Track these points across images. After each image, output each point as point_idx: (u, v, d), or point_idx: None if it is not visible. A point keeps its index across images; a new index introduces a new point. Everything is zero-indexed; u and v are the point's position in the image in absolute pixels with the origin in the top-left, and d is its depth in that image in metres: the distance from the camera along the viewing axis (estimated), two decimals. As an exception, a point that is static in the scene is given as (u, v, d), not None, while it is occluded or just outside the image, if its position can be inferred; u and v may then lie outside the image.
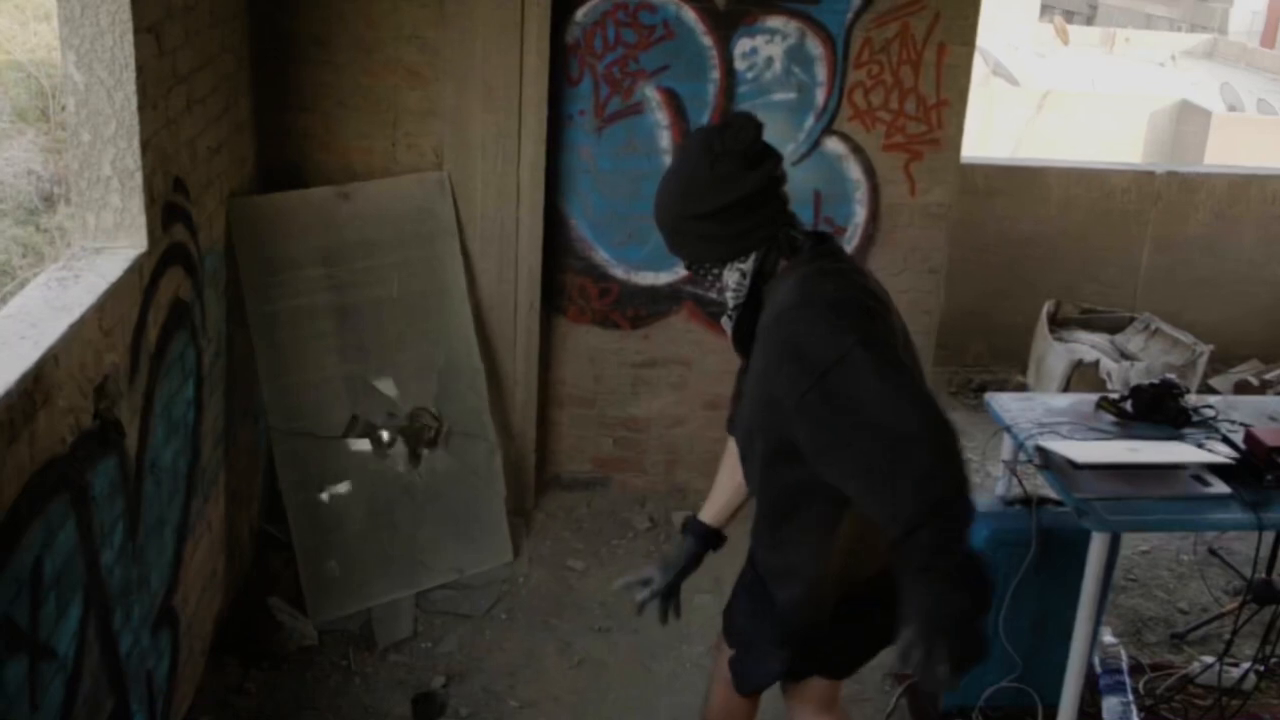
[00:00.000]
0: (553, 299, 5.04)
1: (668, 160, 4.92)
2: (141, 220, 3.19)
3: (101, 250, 3.15)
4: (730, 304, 2.54)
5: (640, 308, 5.12)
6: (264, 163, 4.66)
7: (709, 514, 2.95)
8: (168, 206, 3.40)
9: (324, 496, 4.46)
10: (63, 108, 3.49)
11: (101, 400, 2.83)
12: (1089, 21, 38.41)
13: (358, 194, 4.62)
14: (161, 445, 3.33)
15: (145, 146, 3.17)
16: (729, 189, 2.42)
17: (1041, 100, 20.04)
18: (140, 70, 3.10)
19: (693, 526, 2.95)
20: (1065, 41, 27.32)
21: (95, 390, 2.79)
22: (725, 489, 2.93)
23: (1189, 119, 19.17)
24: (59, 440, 2.57)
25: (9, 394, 2.31)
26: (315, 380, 4.48)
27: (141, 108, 3.12)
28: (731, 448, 2.87)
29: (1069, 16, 34.91)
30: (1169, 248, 6.93)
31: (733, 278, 2.50)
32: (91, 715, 2.80)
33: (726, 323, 2.60)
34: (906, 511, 2.14)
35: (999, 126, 18.44)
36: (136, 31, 3.07)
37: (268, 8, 4.51)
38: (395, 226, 4.66)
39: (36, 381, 2.44)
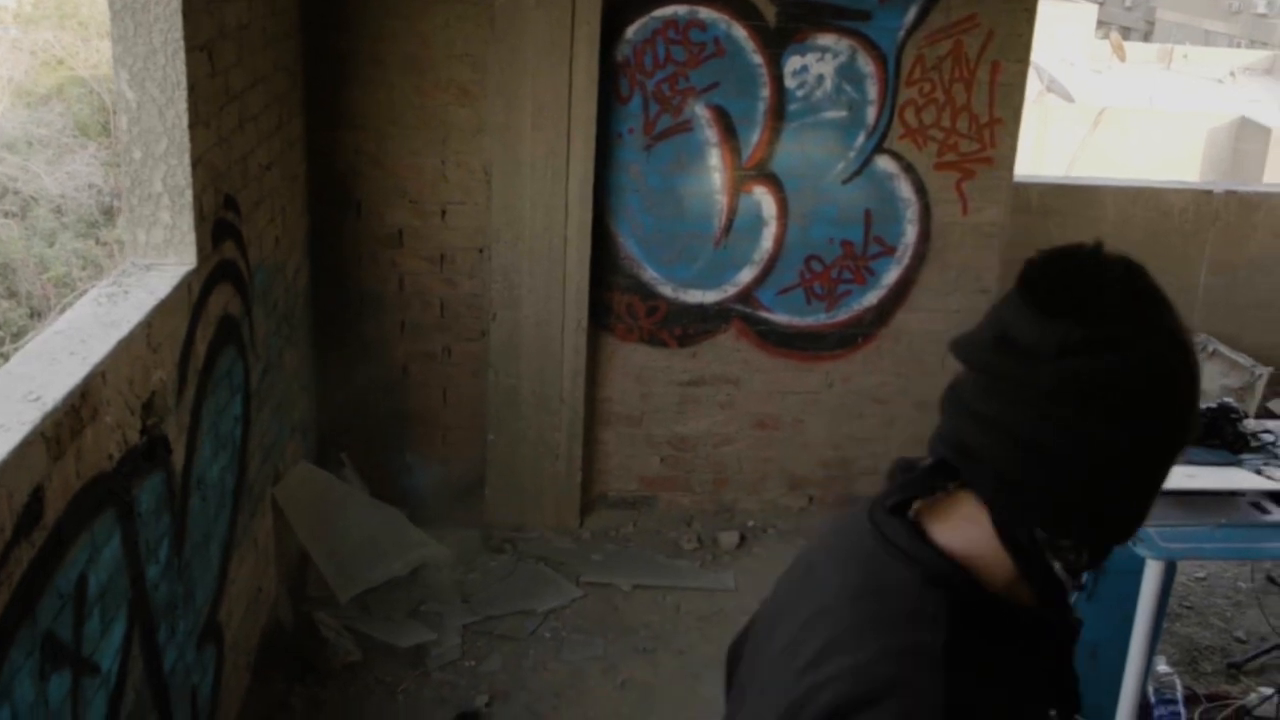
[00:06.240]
0: (600, 317, 5.03)
1: (717, 178, 4.90)
2: (191, 237, 3.21)
3: (151, 267, 3.17)
4: None
5: (688, 326, 5.10)
6: (316, 179, 4.69)
7: None
8: (218, 223, 3.43)
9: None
10: (118, 125, 3.52)
11: (149, 416, 2.84)
12: (1146, 38, 37.97)
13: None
14: (209, 461, 3.34)
15: (196, 164, 3.19)
16: None
17: (1097, 117, 19.76)
18: (192, 88, 3.13)
19: None
20: (1122, 58, 26.98)
21: (143, 406, 2.80)
22: None
23: (1248, 136, 18.86)
24: (106, 456, 2.58)
25: (56, 410, 2.32)
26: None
27: (193, 125, 3.14)
28: None
29: (1126, 33, 34.53)
30: (1227, 268, 6.80)
31: None
32: (135, 730, 2.81)
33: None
34: None
35: (1053, 144, 18.21)
36: (189, 50, 3.09)
37: (321, 27, 4.55)
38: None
39: (84, 397, 2.45)
